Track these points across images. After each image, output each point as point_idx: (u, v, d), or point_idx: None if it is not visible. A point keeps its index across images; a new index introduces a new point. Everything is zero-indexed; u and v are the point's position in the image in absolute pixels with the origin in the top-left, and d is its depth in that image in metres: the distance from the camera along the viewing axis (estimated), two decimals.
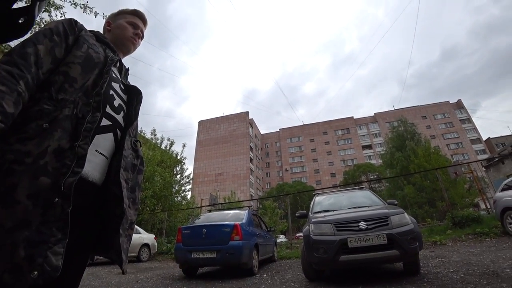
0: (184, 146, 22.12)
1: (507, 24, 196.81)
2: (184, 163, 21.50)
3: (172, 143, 21.99)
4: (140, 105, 1.33)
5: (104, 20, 1.45)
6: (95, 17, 5.18)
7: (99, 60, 1.14)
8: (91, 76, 1.08)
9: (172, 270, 7.37)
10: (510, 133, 52.10)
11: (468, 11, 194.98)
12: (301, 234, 5.06)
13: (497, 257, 4.62)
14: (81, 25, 1.18)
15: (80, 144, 0.93)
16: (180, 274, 6.32)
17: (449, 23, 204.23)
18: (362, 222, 3.86)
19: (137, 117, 1.31)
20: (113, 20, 1.44)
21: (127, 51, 1.45)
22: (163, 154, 19.53)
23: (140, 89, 1.35)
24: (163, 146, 21.56)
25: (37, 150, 0.85)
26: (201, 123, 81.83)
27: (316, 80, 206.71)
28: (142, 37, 1.49)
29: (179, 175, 20.67)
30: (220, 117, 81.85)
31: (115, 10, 1.47)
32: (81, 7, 4.96)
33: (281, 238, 22.78)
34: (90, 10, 5.11)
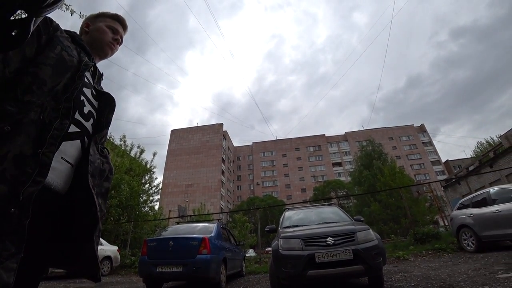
0: (154, 154, 21.47)
1: (463, 60, 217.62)
2: (153, 172, 20.80)
3: (142, 151, 21.30)
4: (113, 113, 1.29)
5: (82, 20, 1.40)
6: (71, 15, 4.96)
7: (72, 64, 1.08)
8: (62, 80, 1.02)
9: (135, 285, 7.00)
10: (466, 157, 56.15)
11: (432, 45, 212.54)
12: (270, 248, 5.06)
13: (453, 271, 4.89)
14: (57, 24, 1.12)
15: (44, 152, 0.87)
16: None
17: (415, 55, 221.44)
18: (329, 238, 3.94)
19: (109, 125, 1.26)
20: (92, 22, 1.38)
21: (104, 56, 1.40)
22: (132, 162, 18.81)
23: (113, 94, 1.30)
24: (132, 154, 20.81)
25: None
26: (173, 132, 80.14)
27: (291, 98, 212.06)
28: (121, 43, 1.45)
29: (148, 184, 19.93)
30: (193, 127, 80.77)
31: (95, 12, 1.44)
32: None
33: (250, 253, 22.49)
34: (66, 8, 4.89)
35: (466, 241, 7.52)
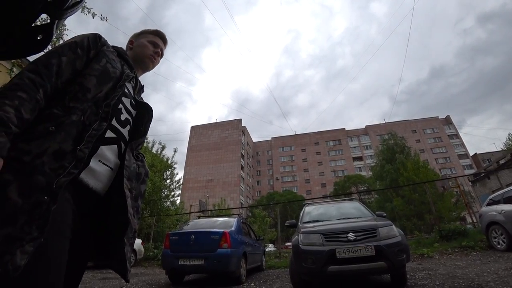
0: (175, 150, 21.86)
1: (492, 47, 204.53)
2: (174, 168, 21.23)
3: (163, 147, 21.76)
4: (150, 122, 1.39)
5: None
6: (93, 18, 5.14)
7: (115, 75, 1.18)
8: (104, 88, 1.12)
9: (158, 276, 7.23)
10: (496, 150, 53.32)
11: (457, 33, 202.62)
12: (290, 243, 5.06)
13: (482, 271, 4.69)
14: (105, 40, 1.25)
15: (81, 148, 0.95)
16: (166, 280, 6.21)
17: (438, 44, 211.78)
18: (350, 233, 3.88)
19: (146, 133, 1.36)
20: (135, 39, 1.51)
21: (146, 68, 1.50)
22: (154, 158, 19.29)
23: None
24: (154, 150, 21.33)
25: (37, 150, 0.87)
26: (193, 128, 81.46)
27: (309, 92, 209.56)
28: (161, 56, 1.55)
29: (169, 179, 20.40)
30: (212, 123, 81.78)
31: (138, 30, 1.55)
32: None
33: (270, 247, 22.62)
34: (88, 11, 5.08)
35: (496, 239, 7.17)
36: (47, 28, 0.48)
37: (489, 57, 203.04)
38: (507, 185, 10.89)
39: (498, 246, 7.05)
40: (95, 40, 1.17)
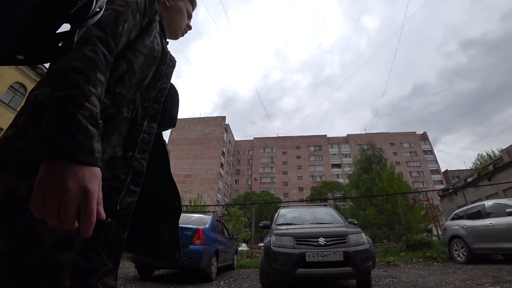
0: None
1: (471, 72, 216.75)
2: None
3: None
4: (177, 108, 1.09)
5: None
6: None
7: (158, 55, 0.93)
8: (149, 74, 0.88)
9: (127, 270, 7.09)
10: (465, 168, 56.14)
11: (440, 55, 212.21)
12: (262, 244, 5.12)
13: (440, 281, 4.95)
14: (157, 6, 0.96)
15: (136, 157, 0.77)
16: (135, 274, 6.11)
17: (422, 63, 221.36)
18: (321, 238, 3.98)
19: (175, 122, 1.08)
20: None
21: (173, 39, 1.20)
22: None
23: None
24: None
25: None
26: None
27: (295, 96, 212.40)
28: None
29: None
30: (196, 118, 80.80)
31: None
32: None
33: (243, 247, 22.62)
34: None
35: (457, 252, 7.57)
36: (69, 35, 0.49)
37: (467, 81, 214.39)
38: (472, 202, 11.52)
39: (458, 259, 7.44)
40: (151, 5, 0.90)
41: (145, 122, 0.82)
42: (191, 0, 1.21)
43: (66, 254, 0.59)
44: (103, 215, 0.56)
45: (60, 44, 0.51)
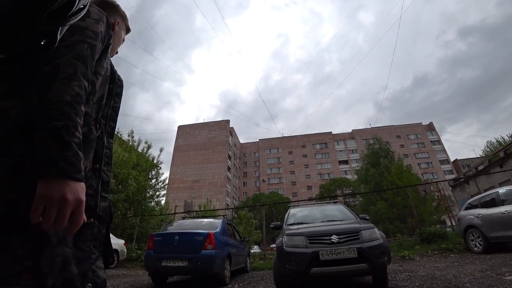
0: (161, 150, 21.56)
1: (471, 59, 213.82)
2: (160, 168, 20.92)
3: (149, 147, 21.40)
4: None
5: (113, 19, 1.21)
6: None
7: (109, 75, 1.02)
8: (105, 92, 0.98)
9: (141, 278, 7.11)
10: (475, 156, 55.28)
11: (439, 45, 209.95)
12: (274, 245, 5.08)
13: (459, 272, 4.85)
14: (111, 30, 1.03)
15: (103, 169, 0.93)
16: (149, 282, 6.11)
17: (421, 54, 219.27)
18: (334, 236, 3.93)
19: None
20: (120, 23, 1.24)
21: None
22: (139, 157, 18.96)
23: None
24: (139, 149, 20.97)
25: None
26: (180, 128, 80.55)
27: (296, 96, 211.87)
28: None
29: (154, 179, 20.09)
30: (200, 123, 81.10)
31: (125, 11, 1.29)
32: None
33: (255, 249, 22.62)
34: None
35: (473, 242, 7.42)
36: (51, 33, 0.49)
37: (469, 69, 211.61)
38: (485, 190, 11.29)
39: (475, 249, 7.30)
40: (108, 29, 0.97)
41: (104, 138, 0.96)
42: (128, 30, 1.33)
43: (66, 249, 0.76)
44: (85, 218, 0.74)
45: (42, 43, 0.51)
